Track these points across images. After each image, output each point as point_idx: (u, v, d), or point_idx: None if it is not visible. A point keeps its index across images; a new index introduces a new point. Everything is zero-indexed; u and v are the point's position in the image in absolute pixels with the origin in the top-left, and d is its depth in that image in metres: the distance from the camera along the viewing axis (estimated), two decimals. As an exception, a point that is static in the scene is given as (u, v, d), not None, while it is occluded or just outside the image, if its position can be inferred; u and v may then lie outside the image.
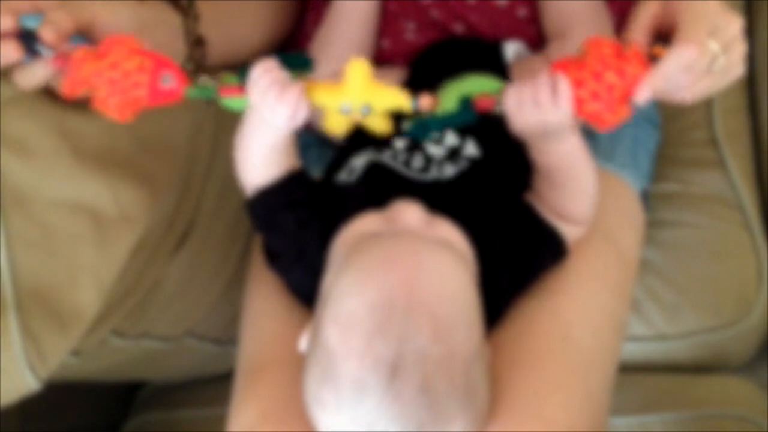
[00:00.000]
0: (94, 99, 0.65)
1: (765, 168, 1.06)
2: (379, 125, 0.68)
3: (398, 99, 0.66)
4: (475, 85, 0.66)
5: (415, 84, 0.78)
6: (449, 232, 0.65)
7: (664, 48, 0.64)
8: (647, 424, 0.97)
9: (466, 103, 0.66)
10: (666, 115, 1.01)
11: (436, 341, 0.58)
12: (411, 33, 0.83)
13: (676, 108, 1.05)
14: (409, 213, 0.65)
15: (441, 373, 0.58)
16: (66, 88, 0.64)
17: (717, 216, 1.02)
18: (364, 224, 0.66)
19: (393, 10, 0.83)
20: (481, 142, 0.73)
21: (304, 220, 0.70)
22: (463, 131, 0.74)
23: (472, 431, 0.61)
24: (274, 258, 0.73)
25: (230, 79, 0.66)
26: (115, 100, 0.64)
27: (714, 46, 0.63)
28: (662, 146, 0.99)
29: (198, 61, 0.77)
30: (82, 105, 0.69)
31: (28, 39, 0.63)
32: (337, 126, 0.67)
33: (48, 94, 0.67)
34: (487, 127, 0.73)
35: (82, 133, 0.69)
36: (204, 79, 0.66)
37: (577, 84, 0.62)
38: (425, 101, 0.66)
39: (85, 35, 0.66)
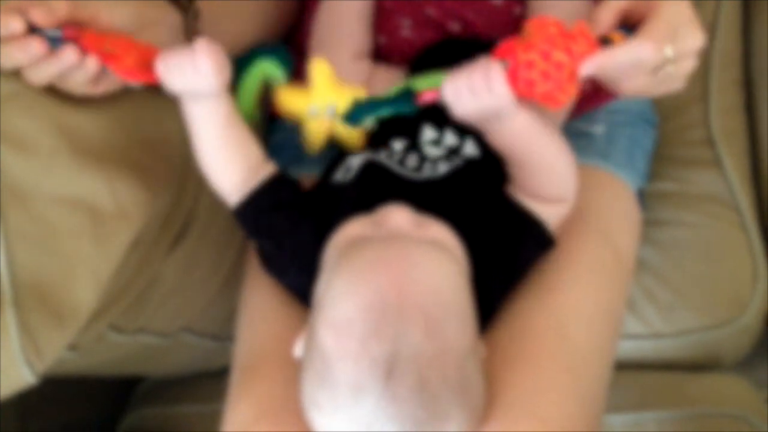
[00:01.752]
0: (111, 60, 0.65)
1: (761, 168, 1.07)
2: (351, 137, 0.69)
3: (355, 94, 0.67)
4: (422, 83, 0.68)
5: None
6: (439, 232, 0.66)
7: (623, 36, 0.65)
8: (642, 422, 0.97)
9: (406, 93, 0.67)
10: (662, 115, 1.01)
11: (429, 338, 0.58)
12: (407, 30, 0.83)
13: (673, 107, 1.06)
14: (398, 216, 0.65)
15: (435, 370, 0.58)
16: (86, 45, 0.64)
17: (713, 215, 1.02)
18: (353, 229, 0.66)
19: (388, 7, 0.83)
20: (481, 142, 0.74)
21: (295, 219, 0.70)
22: (463, 131, 0.74)
23: (468, 427, 0.62)
24: (268, 262, 0.74)
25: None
26: (131, 58, 0.65)
27: (669, 51, 0.64)
28: (659, 145, 1.00)
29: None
30: (81, 101, 0.69)
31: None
32: (310, 135, 0.68)
33: (47, 90, 0.68)
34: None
35: (81, 129, 0.70)
36: None
37: (527, 66, 0.63)
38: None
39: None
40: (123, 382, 1.15)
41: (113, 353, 0.87)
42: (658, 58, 0.64)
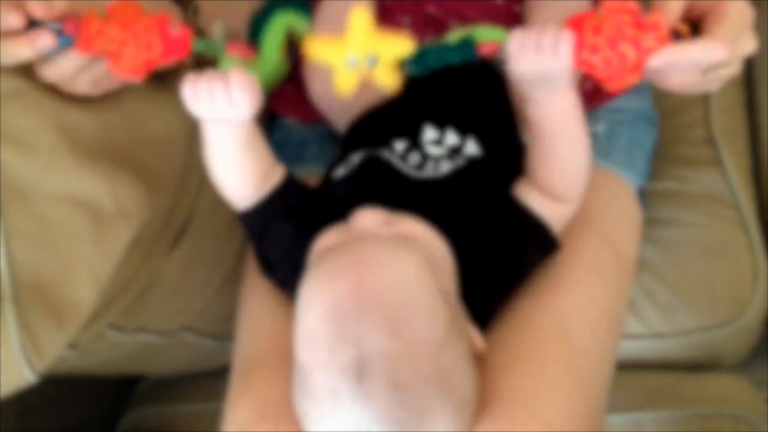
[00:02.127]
0: (108, 57, 0.65)
1: (762, 167, 1.06)
2: (389, 80, 0.65)
3: (403, 44, 0.64)
4: (483, 34, 0.66)
5: (415, 83, 0.79)
6: (411, 227, 0.65)
7: (689, 29, 0.63)
8: (642, 422, 0.97)
9: (468, 42, 0.66)
10: (663, 113, 1.01)
11: (394, 335, 0.58)
12: (407, 28, 0.83)
13: (674, 106, 1.06)
14: (366, 217, 0.65)
15: (407, 367, 0.58)
16: (81, 45, 0.64)
17: (713, 215, 1.02)
18: (326, 239, 0.66)
19: (389, 6, 0.83)
20: (483, 141, 0.73)
21: (299, 230, 0.70)
22: (464, 130, 0.74)
23: (459, 423, 0.61)
24: (268, 268, 0.74)
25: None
26: (128, 58, 0.65)
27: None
28: (659, 144, 0.99)
29: (198, 53, 0.77)
30: (81, 100, 0.69)
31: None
32: (346, 83, 0.65)
33: (48, 88, 0.67)
34: (489, 126, 0.74)
35: (81, 127, 0.70)
36: (218, 28, 0.66)
37: (592, 49, 0.62)
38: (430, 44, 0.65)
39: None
40: (123, 381, 1.15)
41: (113, 352, 0.87)
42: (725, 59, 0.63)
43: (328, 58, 0.64)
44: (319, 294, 0.60)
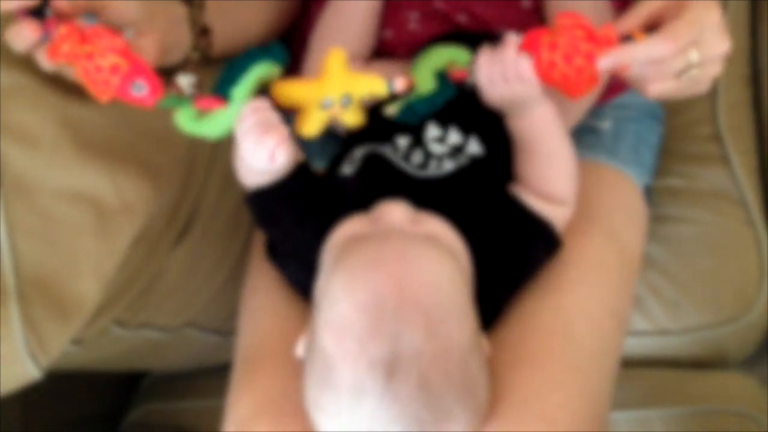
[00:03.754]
0: (75, 73, 0.64)
1: (768, 164, 1.06)
2: (353, 119, 0.68)
3: (375, 84, 0.67)
4: (443, 57, 0.70)
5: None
6: (436, 227, 0.65)
7: (646, 35, 0.65)
8: (647, 420, 0.97)
9: (443, 78, 0.70)
10: (669, 110, 1.01)
11: (430, 337, 0.58)
12: (414, 23, 0.83)
13: (680, 103, 1.05)
14: (394, 212, 0.65)
15: (437, 369, 0.58)
16: (48, 52, 0.63)
17: (719, 212, 1.01)
18: (350, 227, 0.66)
19: (396, 2, 0.82)
20: (485, 140, 0.73)
21: (300, 216, 0.70)
22: (467, 129, 0.73)
23: (473, 425, 0.61)
24: (272, 251, 0.73)
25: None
26: (89, 84, 0.64)
27: (694, 55, 0.64)
28: (665, 141, 0.99)
29: (204, 50, 0.77)
30: (85, 95, 0.69)
31: (39, 17, 0.63)
32: (312, 125, 0.68)
33: (51, 83, 0.67)
34: (491, 124, 0.74)
35: (85, 123, 0.69)
36: (184, 81, 0.66)
37: (549, 66, 0.66)
38: (400, 83, 0.69)
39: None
40: (127, 377, 1.16)
41: (117, 348, 0.87)
42: (681, 61, 0.63)
43: (302, 100, 0.67)
44: (355, 284, 0.59)
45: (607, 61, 0.64)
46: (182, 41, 0.74)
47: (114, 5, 0.66)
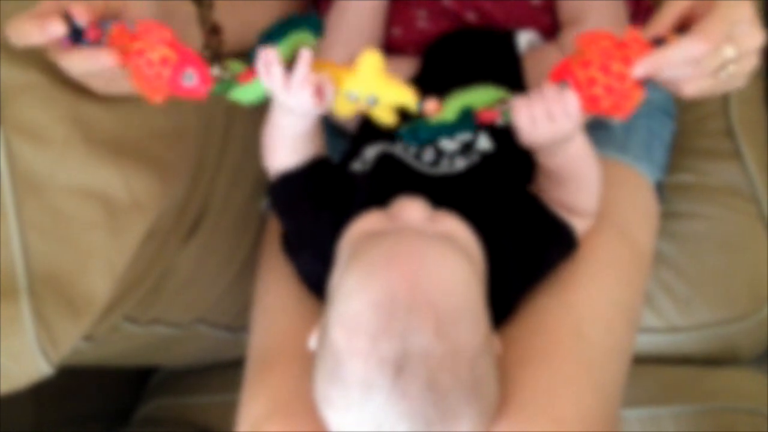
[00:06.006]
0: (129, 76, 0.64)
1: (781, 159, 1.05)
2: (385, 117, 0.67)
3: (405, 97, 0.65)
4: (482, 97, 0.66)
5: (427, 76, 0.78)
6: (453, 226, 0.65)
7: (679, 37, 0.64)
8: (658, 417, 0.97)
9: (467, 114, 0.66)
10: (682, 106, 1.00)
11: (440, 338, 0.57)
12: (423, 21, 0.82)
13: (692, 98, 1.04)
14: (412, 209, 0.65)
15: (446, 370, 0.58)
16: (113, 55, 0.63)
17: (731, 208, 1.01)
18: (367, 223, 0.66)
19: (405, -1, 0.82)
20: (494, 136, 0.73)
21: (318, 207, 0.70)
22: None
23: (481, 425, 0.61)
24: (288, 242, 0.74)
25: (235, 66, 0.66)
26: (142, 84, 0.64)
27: (730, 52, 0.62)
28: (678, 137, 0.99)
29: (215, 48, 0.77)
30: (95, 93, 0.69)
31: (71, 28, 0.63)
32: (343, 109, 0.67)
33: (63, 81, 0.67)
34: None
35: (95, 120, 0.70)
36: (223, 72, 0.66)
37: (589, 83, 0.62)
38: (430, 105, 0.66)
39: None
40: (138, 372, 1.16)
41: (128, 344, 0.88)
42: (717, 58, 0.62)
43: (332, 82, 0.66)
44: (370, 281, 0.59)
45: (643, 67, 0.62)
46: (192, 40, 0.74)
47: (131, 6, 0.66)
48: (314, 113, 0.65)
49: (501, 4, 0.81)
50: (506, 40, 0.79)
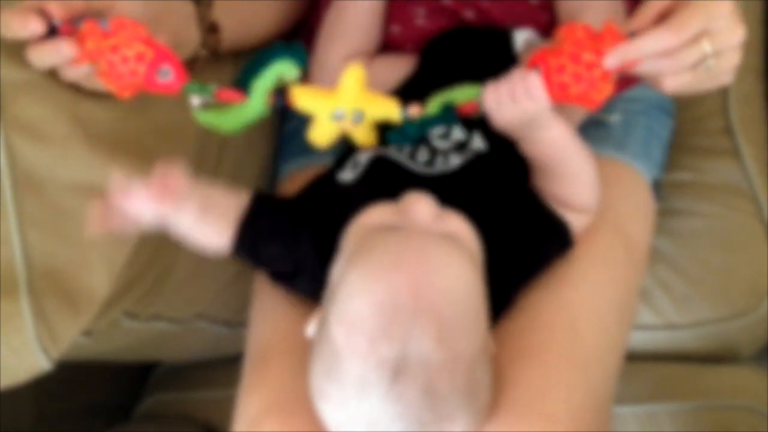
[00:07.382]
0: (97, 72, 0.65)
1: (780, 157, 1.05)
2: (365, 136, 0.68)
3: (389, 108, 0.67)
4: (460, 95, 0.69)
5: (425, 73, 0.78)
6: (458, 226, 0.65)
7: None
8: (655, 414, 0.97)
9: (449, 108, 0.69)
10: (680, 103, 1.00)
11: (441, 345, 0.57)
12: (421, 19, 0.83)
13: (691, 96, 1.04)
14: (421, 206, 0.64)
15: (444, 376, 0.57)
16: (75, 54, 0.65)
17: (730, 206, 1.01)
18: (375, 216, 0.65)
19: (403, -4, 0.82)
20: (488, 136, 0.73)
21: (289, 238, 0.70)
22: (470, 126, 0.73)
23: (474, 425, 0.61)
24: (276, 278, 0.73)
25: (209, 88, 0.68)
26: (113, 80, 0.65)
27: (707, 46, 0.63)
28: (677, 135, 0.99)
29: (213, 47, 0.77)
30: (94, 91, 0.69)
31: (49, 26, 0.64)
32: (323, 135, 0.68)
33: (61, 79, 0.68)
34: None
35: (95, 118, 0.70)
36: (201, 96, 0.67)
37: (558, 70, 0.64)
38: (413, 110, 0.68)
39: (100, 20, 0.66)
40: (138, 368, 1.16)
41: (128, 339, 0.88)
42: (694, 53, 0.62)
43: (314, 108, 0.67)
44: (373, 281, 0.59)
45: (614, 57, 0.63)
46: (191, 39, 0.74)
47: (119, 6, 0.66)
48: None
49: (499, 2, 0.81)
50: (504, 39, 0.80)
